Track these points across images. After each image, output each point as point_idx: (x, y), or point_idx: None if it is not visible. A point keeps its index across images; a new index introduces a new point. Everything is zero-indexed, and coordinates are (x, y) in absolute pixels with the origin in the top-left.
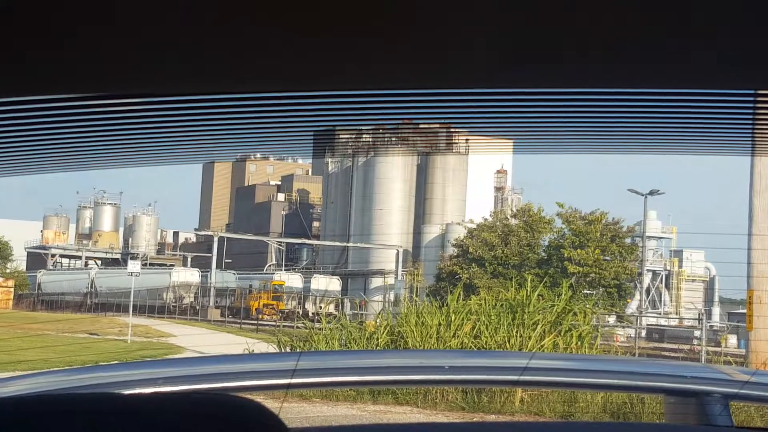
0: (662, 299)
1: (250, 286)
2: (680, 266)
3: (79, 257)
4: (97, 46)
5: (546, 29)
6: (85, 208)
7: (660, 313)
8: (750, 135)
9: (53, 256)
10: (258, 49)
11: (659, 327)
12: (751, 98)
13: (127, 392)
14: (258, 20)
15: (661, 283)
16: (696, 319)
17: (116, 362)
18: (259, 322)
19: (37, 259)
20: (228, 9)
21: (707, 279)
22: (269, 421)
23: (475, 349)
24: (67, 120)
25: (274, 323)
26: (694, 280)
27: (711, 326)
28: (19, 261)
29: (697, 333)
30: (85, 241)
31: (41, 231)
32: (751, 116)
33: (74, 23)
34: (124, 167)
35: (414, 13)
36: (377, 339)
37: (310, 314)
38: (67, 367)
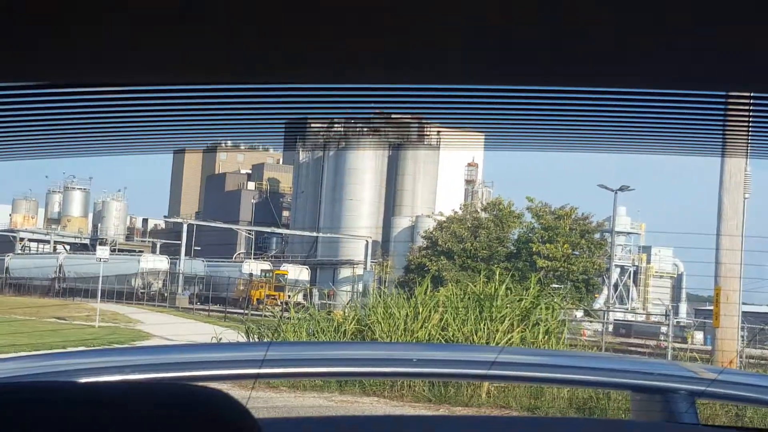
0: (630, 295)
1: (251, 274)
2: (648, 262)
3: (48, 242)
4: (66, 33)
5: (518, 26)
6: (54, 192)
7: (627, 309)
8: (721, 136)
9: (21, 239)
10: (230, 41)
11: (626, 322)
12: (722, 100)
13: (93, 380)
14: (228, 11)
15: (629, 278)
16: (663, 315)
17: (83, 349)
18: (263, 313)
19: (5, 242)
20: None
21: (675, 275)
22: (236, 411)
23: (443, 341)
24: (36, 108)
25: (272, 314)
26: (662, 277)
27: (678, 322)
28: None
29: (663, 329)
30: (54, 226)
31: (10, 215)
32: (722, 118)
33: (43, 8)
34: (93, 155)
35: (389, 7)
36: (345, 329)
37: (279, 303)
38: (34, 353)
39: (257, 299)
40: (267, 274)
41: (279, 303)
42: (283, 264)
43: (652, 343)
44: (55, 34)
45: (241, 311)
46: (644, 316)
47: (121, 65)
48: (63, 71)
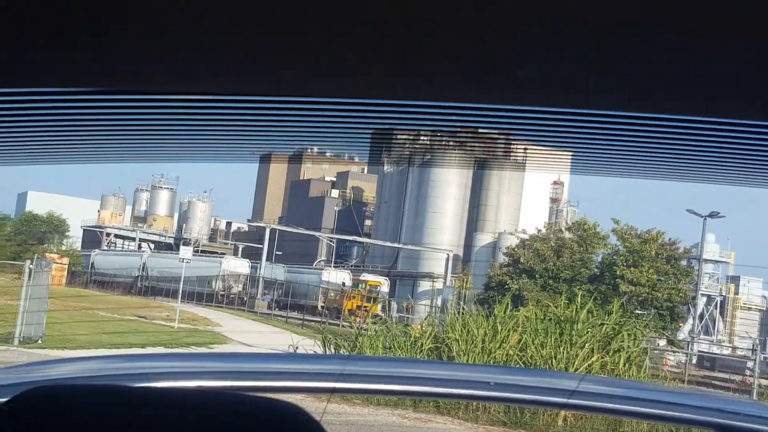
0: (716, 326)
1: (343, 284)
2: (737, 293)
3: (133, 239)
4: (161, 46)
5: (609, 52)
6: (142, 190)
7: (713, 340)
8: None
9: (108, 235)
10: (322, 55)
11: (711, 355)
12: None
13: (171, 384)
14: (320, 26)
15: (716, 308)
16: (750, 349)
17: (163, 351)
18: (340, 323)
19: (92, 238)
20: (290, 17)
21: (764, 308)
22: (309, 426)
23: (521, 363)
24: (129, 114)
25: (363, 328)
26: (750, 309)
27: (765, 358)
28: (74, 239)
29: (750, 364)
30: (140, 224)
31: (98, 211)
32: None
33: (136, 17)
34: (183, 161)
35: (479, 29)
36: (422, 345)
37: (371, 315)
38: (114, 352)
39: (349, 310)
40: (360, 285)
41: (371, 315)
42: (363, 273)
43: (738, 378)
44: (156, 45)
45: (320, 320)
46: (730, 349)
47: (214, 74)
48: (156, 79)
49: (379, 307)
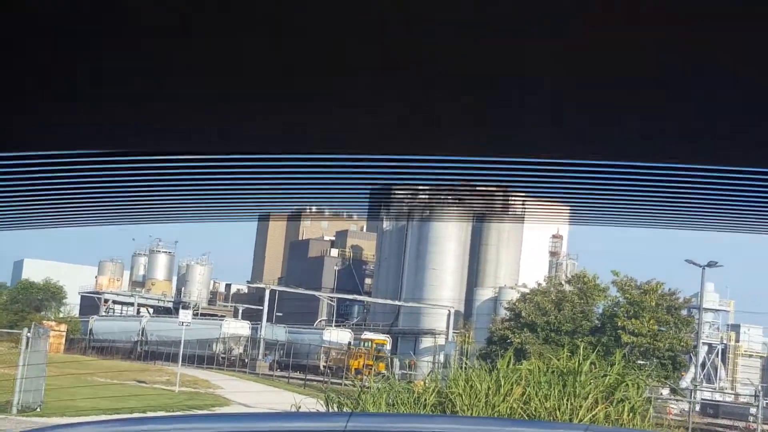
0: (718, 373)
1: (349, 343)
2: (737, 340)
3: (132, 304)
4: (161, 107)
5: (605, 104)
6: (139, 255)
7: (715, 388)
8: None
9: (106, 301)
10: (318, 113)
11: (714, 402)
12: None
13: None
14: (315, 84)
15: (717, 357)
16: (752, 395)
17: (164, 414)
18: (360, 384)
19: (90, 304)
20: (285, 76)
21: (765, 355)
22: None
23: (525, 416)
24: (128, 175)
25: (366, 386)
26: (751, 356)
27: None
28: (72, 305)
29: (753, 410)
30: (138, 289)
31: (96, 276)
32: None
33: (126, 78)
34: (182, 222)
35: (475, 83)
36: (425, 400)
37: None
38: (115, 417)
39: (355, 369)
40: (366, 344)
41: (376, 373)
42: (365, 332)
43: (741, 424)
44: (151, 106)
45: (322, 379)
46: (732, 396)
47: (212, 134)
48: (153, 141)
49: (385, 365)
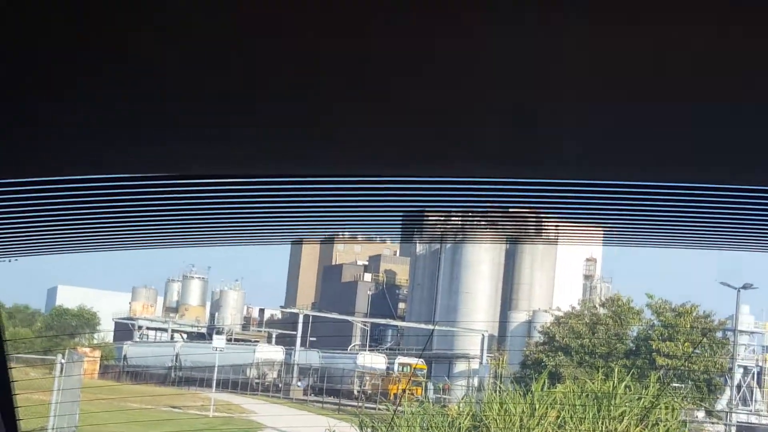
0: (754, 396)
1: (388, 368)
2: None
3: (166, 330)
4: (199, 130)
5: (635, 125)
6: (173, 281)
7: (751, 410)
8: None
9: (140, 328)
10: (352, 137)
11: (750, 424)
12: None
13: None
14: (346, 107)
15: (753, 379)
16: None
17: None
18: (376, 407)
19: (124, 330)
20: (326, 100)
21: None
22: None
23: None
24: (160, 198)
25: (400, 410)
26: None
27: None
28: (106, 332)
29: None
30: (172, 314)
31: (129, 303)
32: None
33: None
34: (216, 246)
35: (512, 108)
36: (460, 424)
37: (417, 399)
38: None
39: (395, 394)
40: (405, 368)
41: (417, 399)
42: (398, 356)
43: None
44: (183, 131)
45: (355, 403)
46: None
47: (245, 159)
48: (189, 165)
49: (423, 390)
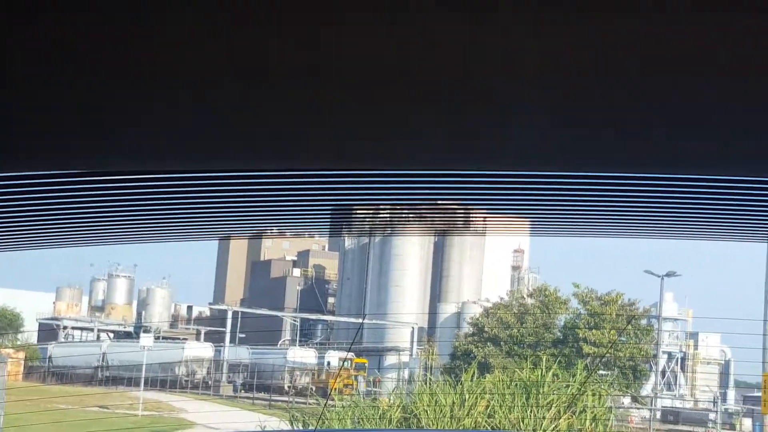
0: (677, 381)
1: (328, 363)
2: (696, 349)
3: (92, 329)
4: (117, 121)
5: (563, 116)
6: (98, 280)
7: (675, 395)
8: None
9: (65, 328)
10: (277, 130)
11: (674, 409)
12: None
13: None
14: (274, 104)
15: (677, 365)
16: (711, 401)
17: None
18: (306, 401)
19: (49, 331)
20: (247, 90)
21: (723, 362)
22: None
23: (489, 429)
24: (82, 195)
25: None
26: (709, 363)
27: (726, 409)
28: (30, 333)
29: (712, 416)
30: (98, 314)
31: (54, 303)
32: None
33: (78, 101)
34: (141, 242)
35: (436, 100)
36: (390, 417)
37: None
38: None
39: (337, 389)
40: (345, 363)
41: (357, 392)
42: (329, 351)
43: (701, 430)
44: (93, 125)
45: (286, 399)
46: (692, 402)
47: (168, 153)
48: (111, 160)
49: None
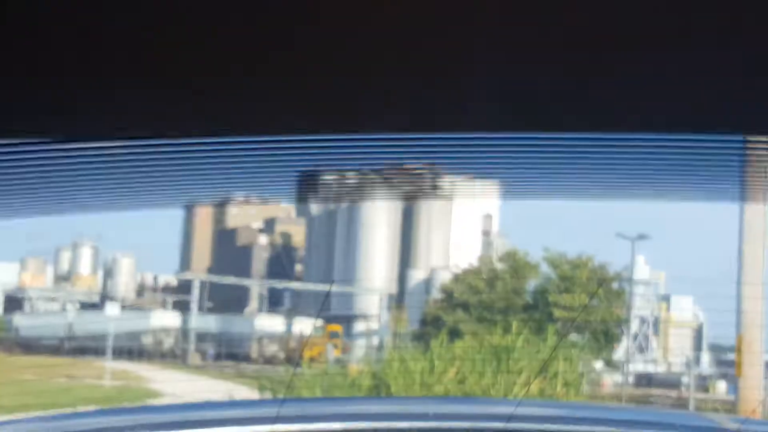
0: (650, 345)
1: (302, 332)
2: (668, 311)
3: (57, 300)
4: (71, 90)
5: (528, 74)
6: (63, 250)
7: (648, 359)
8: (739, 182)
9: (30, 299)
10: (239, 93)
11: (647, 373)
12: (741, 144)
13: None
14: (237, 64)
15: (649, 328)
16: (684, 365)
17: (95, 408)
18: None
19: (14, 302)
20: (211, 56)
21: (696, 325)
22: None
23: (460, 395)
24: (45, 163)
25: (300, 372)
26: (682, 326)
27: (699, 372)
28: None
29: (685, 379)
30: (63, 284)
31: (18, 273)
32: (740, 163)
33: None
34: (105, 210)
35: (402, 61)
36: (360, 384)
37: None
38: (44, 413)
39: (310, 357)
40: (319, 331)
41: (329, 360)
42: (297, 317)
43: (674, 393)
44: (67, 89)
45: (255, 367)
46: (665, 366)
47: (131, 120)
48: (72, 126)
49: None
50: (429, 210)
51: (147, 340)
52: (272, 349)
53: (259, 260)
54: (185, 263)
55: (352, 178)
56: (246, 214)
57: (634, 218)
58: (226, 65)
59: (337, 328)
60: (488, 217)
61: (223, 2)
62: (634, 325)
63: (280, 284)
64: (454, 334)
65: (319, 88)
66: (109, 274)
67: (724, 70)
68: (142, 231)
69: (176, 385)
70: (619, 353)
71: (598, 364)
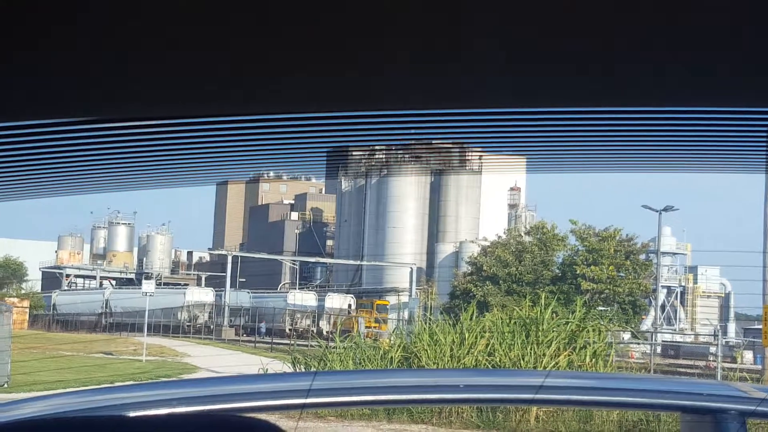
0: (677, 315)
1: (349, 306)
2: (695, 282)
3: (94, 277)
4: (112, 68)
5: (553, 48)
6: (99, 228)
7: (675, 330)
8: (765, 153)
9: (68, 276)
10: (270, 72)
11: (674, 343)
12: (766, 116)
13: (142, 413)
14: (267, 42)
15: (676, 299)
16: (711, 335)
17: (131, 383)
18: (308, 343)
19: (52, 279)
20: (240, 31)
21: (722, 295)
22: None
23: (489, 367)
24: (80, 143)
25: (333, 346)
26: (709, 296)
27: (727, 342)
28: (33, 281)
29: (712, 349)
30: (99, 261)
31: (56, 251)
32: (766, 134)
33: (87, 45)
34: (138, 189)
35: (428, 34)
36: (391, 357)
37: (325, 333)
38: (82, 388)
39: (346, 330)
40: (366, 306)
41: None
42: (328, 293)
43: (702, 363)
44: (104, 69)
45: (288, 342)
46: (692, 336)
47: (163, 99)
48: (109, 106)
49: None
50: (457, 184)
51: (182, 316)
52: (305, 323)
53: (291, 236)
54: (218, 240)
55: (380, 153)
56: (277, 191)
57: (660, 190)
58: (256, 42)
59: (385, 303)
60: (515, 191)
61: None
62: (662, 296)
63: (311, 259)
64: (483, 306)
65: (348, 68)
66: (144, 251)
67: (749, 40)
68: (175, 209)
69: (211, 360)
70: (646, 324)
71: (626, 335)
